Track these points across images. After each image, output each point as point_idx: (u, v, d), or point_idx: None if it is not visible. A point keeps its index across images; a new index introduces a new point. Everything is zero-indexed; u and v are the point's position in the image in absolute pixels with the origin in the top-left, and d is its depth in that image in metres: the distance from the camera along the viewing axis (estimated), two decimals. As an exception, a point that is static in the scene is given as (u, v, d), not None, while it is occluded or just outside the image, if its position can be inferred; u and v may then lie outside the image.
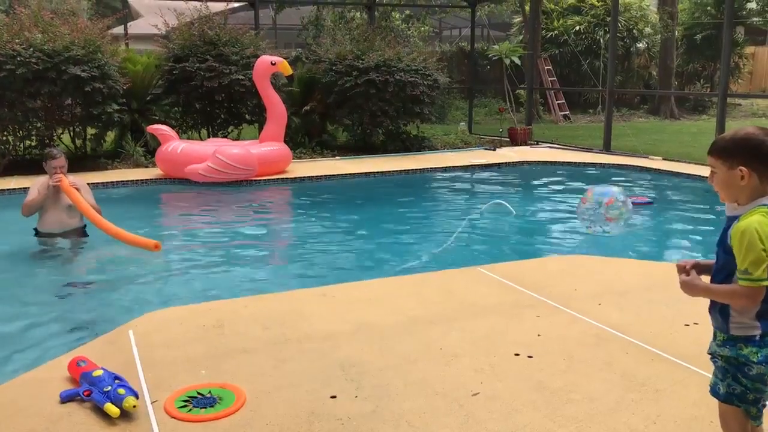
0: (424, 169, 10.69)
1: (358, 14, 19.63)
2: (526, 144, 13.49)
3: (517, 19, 23.84)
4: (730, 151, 2.11)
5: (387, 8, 19.72)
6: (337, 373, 3.29)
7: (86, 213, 5.84)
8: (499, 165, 11.18)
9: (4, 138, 10.28)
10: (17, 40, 9.47)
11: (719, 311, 2.17)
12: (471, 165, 11.02)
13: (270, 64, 9.79)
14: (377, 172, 10.29)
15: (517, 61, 14.65)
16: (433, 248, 6.26)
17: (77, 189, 5.93)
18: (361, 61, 11.87)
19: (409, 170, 10.55)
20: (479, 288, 4.60)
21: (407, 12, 22.13)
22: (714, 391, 2.23)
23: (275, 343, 3.67)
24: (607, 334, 3.77)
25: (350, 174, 10.15)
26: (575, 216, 6.64)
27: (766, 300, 2.07)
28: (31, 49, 9.42)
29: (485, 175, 10.71)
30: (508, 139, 13.87)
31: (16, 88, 9.40)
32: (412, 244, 6.74)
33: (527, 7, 19.16)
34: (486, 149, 12.86)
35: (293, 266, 6.08)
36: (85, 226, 6.16)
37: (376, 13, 16.04)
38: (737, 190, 2.12)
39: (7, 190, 8.54)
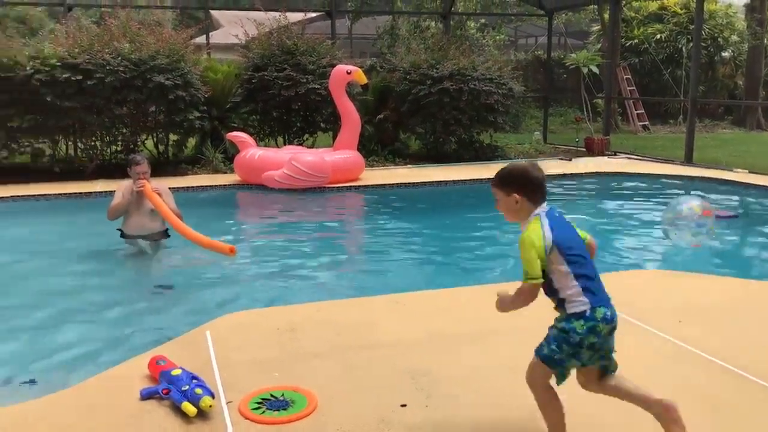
0: (497, 178, 10.56)
1: (433, 23, 19.67)
2: (604, 154, 13.17)
3: (596, 27, 23.35)
4: (507, 182, 2.69)
5: (462, 17, 19.69)
6: (408, 382, 3.28)
7: (167, 217, 6.03)
8: (574, 175, 10.95)
9: (93, 143, 10.77)
10: (107, 50, 9.92)
11: (557, 303, 2.60)
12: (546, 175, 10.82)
13: (346, 73, 9.92)
14: (449, 181, 10.25)
15: (595, 69, 14.34)
16: (506, 259, 6.18)
17: (159, 194, 6.14)
18: (435, 70, 11.89)
19: (481, 179, 10.45)
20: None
21: (482, 21, 22.03)
22: (538, 350, 2.62)
23: (347, 348, 3.70)
24: (686, 352, 3.62)
25: (422, 182, 10.14)
26: (654, 229, 6.44)
27: (584, 276, 2.54)
28: (120, 58, 9.85)
29: (560, 184, 10.50)
30: (584, 149, 13.57)
31: (104, 96, 9.85)
32: (483, 254, 6.67)
33: (606, 15, 18.74)
34: (561, 159, 12.64)
35: (365, 273, 6.11)
36: (167, 229, 6.36)
37: (451, 22, 16.03)
38: (515, 212, 2.68)
39: (95, 192, 8.93)
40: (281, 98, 11.30)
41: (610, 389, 2.63)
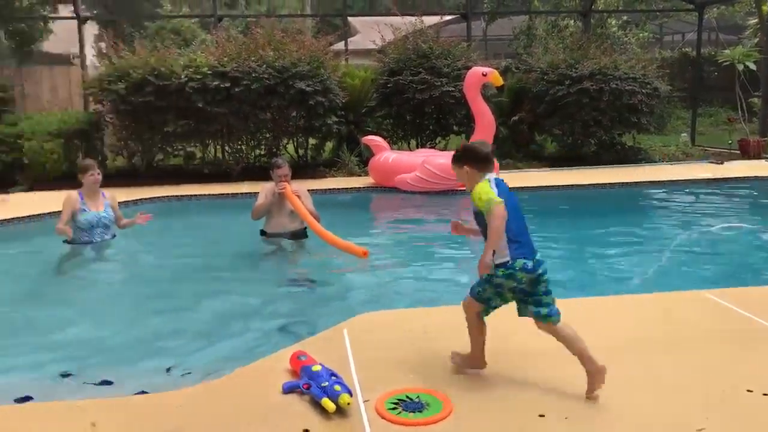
0: (639, 182, 10.08)
1: (571, 22, 19.08)
2: (761, 157, 12.19)
3: (752, 21, 21.66)
4: (458, 159, 3.36)
5: (603, 15, 18.94)
6: (547, 392, 3.18)
7: (305, 218, 6.24)
8: (726, 179, 10.21)
9: (239, 147, 11.38)
10: (253, 58, 10.44)
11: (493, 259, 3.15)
12: (693, 179, 10.18)
13: (481, 75, 9.83)
14: (588, 185, 9.89)
15: (752, 66, 13.31)
16: (648, 268, 5.85)
17: (298, 196, 6.37)
18: (574, 70, 11.53)
19: (623, 183, 10.01)
20: (705, 314, 4.21)
21: (625, 18, 21.07)
22: (471, 289, 3.36)
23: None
24: None
25: (559, 186, 9.86)
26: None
27: (512, 230, 3.15)
28: (264, 65, 10.33)
29: (710, 190, 9.83)
30: (738, 152, 12.63)
31: (250, 102, 10.38)
32: (624, 263, 6.35)
33: (765, 8, 17.34)
34: (711, 162, 11.83)
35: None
36: (305, 229, 6.58)
37: (591, 20, 15.48)
38: (468, 180, 3.31)
39: (240, 193, 9.42)
40: (415, 101, 11.40)
41: (553, 334, 3.24)
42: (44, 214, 8.00)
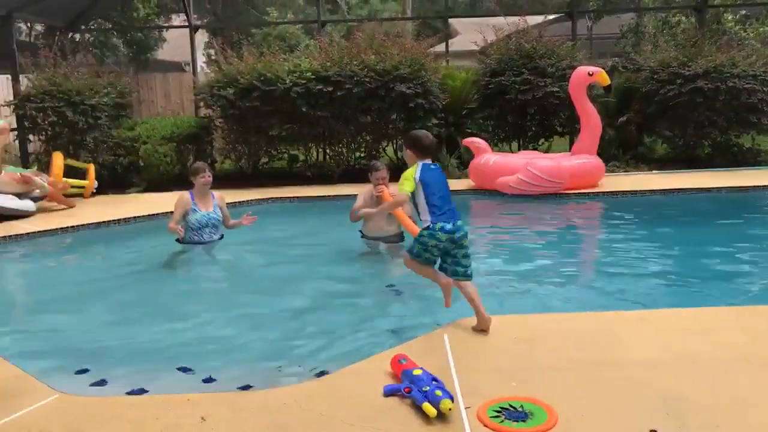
0: (759, 186, 9.46)
1: (683, 18, 18.18)
2: None
3: None
4: (407, 142, 4.28)
5: (719, 9, 17.94)
6: (658, 405, 3.03)
7: (402, 221, 6.25)
8: None
9: (340, 149, 11.56)
10: (355, 62, 10.58)
11: (422, 221, 4.13)
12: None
13: (587, 75, 9.54)
14: (700, 189, 9.38)
15: None
16: (762, 278, 5.48)
17: None
18: (687, 68, 10.98)
19: (740, 187, 9.43)
20: (836, 329, 3.89)
21: (743, 12, 19.88)
22: (408, 248, 4.28)
23: (589, 364, 3.51)
24: None
25: (669, 189, 9.39)
26: None
27: (434, 205, 4.05)
28: (366, 69, 10.45)
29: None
30: None
31: (351, 105, 10.52)
32: (740, 272, 5.97)
33: None
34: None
35: (605, 286, 5.76)
36: (403, 233, 6.59)
37: (706, 15, 14.69)
38: (410, 161, 4.22)
39: (341, 195, 9.56)
40: (517, 102, 11.21)
41: (462, 289, 4.12)
42: (158, 214, 8.43)
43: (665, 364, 3.50)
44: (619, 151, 11.82)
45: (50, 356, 4.29)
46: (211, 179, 6.75)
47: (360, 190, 6.80)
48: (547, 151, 11.52)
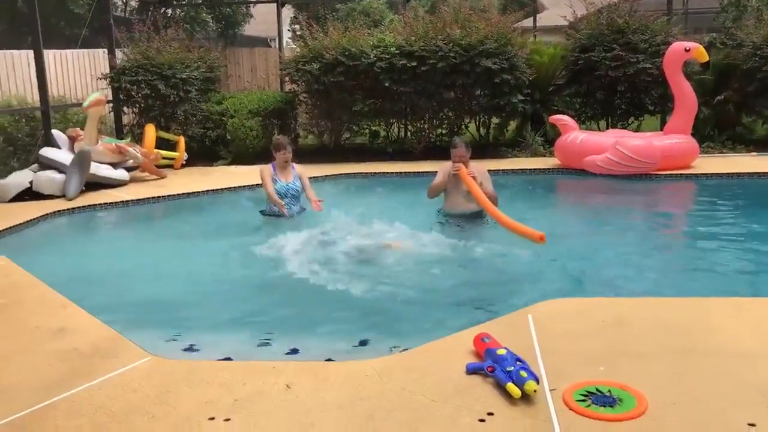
0: None
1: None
2: None
3: None
4: None
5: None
6: (755, 398, 2.88)
7: (479, 200, 6.17)
8: None
9: (421, 126, 11.48)
10: (440, 37, 10.45)
11: None
12: None
13: (683, 51, 9.09)
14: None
15: None
16: None
17: (474, 177, 6.31)
18: (795, 44, 10.30)
19: None
20: None
21: None
22: None
23: (679, 352, 3.37)
24: None
25: (769, 173, 8.88)
26: None
27: None
28: (451, 44, 10.30)
29: None
30: None
31: (435, 81, 10.42)
32: None
33: None
34: None
35: (697, 271, 5.53)
36: (482, 211, 6.50)
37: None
38: None
39: (422, 172, 9.51)
40: (607, 79, 10.82)
41: None
42: (243, 186, 8.65)
43: (764, 355, 3.32)
44: (714, 132, 11.26)
45: (143, 320, 4.48)
46: (290, 156, 6.85)
47: (439, 167, 6.76)
48: (636, 130, 11.09)
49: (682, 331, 3.63)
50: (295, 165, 6.98)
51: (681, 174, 8.93)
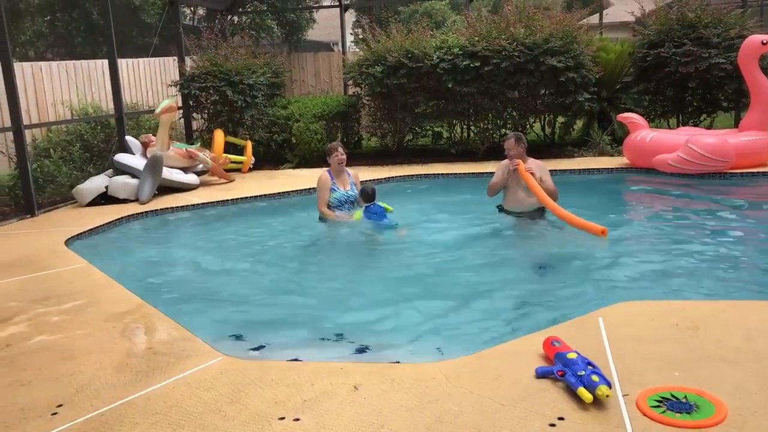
0: None
1: None
2: None
3: None
4: None
5: None
6: None
7: (538, 194, 6.14)
8: None
9: (485, 126, 11.39)
10: (503, 36, 10.34)
11: None
12: None
13: (760, 44, 8.74)
14: None
15: None
16: None
17: (532, 173, 6.24)
18: None
19: None
20: None
21: None
22: None
23: (760, 357, 3.24)
24: None
25: None
26: None
27: None
28: (515, 43, 10.19)
29: None
30: None
31: (499, 81, 10.33)
32: None
33: None
34: None
35: (777, 274, 5.31)
36: (543, 207, 6.41)
37: None
38: None
39: (485, 173, 9.42)
40: (678, 75, 10.49)
41: None
42: (309, 189, 8.77)
43: None
44: (794, 128, 10.76)
45: (214, 320, 4.60)
46: (345, 157, 6.88)
47: (498, 165, 6.75)
48: (709, 128, 10.71)
49: (762, 336, 3.48)
50: (349, 171, 7.02)
51: (757, 172, 8.57)
